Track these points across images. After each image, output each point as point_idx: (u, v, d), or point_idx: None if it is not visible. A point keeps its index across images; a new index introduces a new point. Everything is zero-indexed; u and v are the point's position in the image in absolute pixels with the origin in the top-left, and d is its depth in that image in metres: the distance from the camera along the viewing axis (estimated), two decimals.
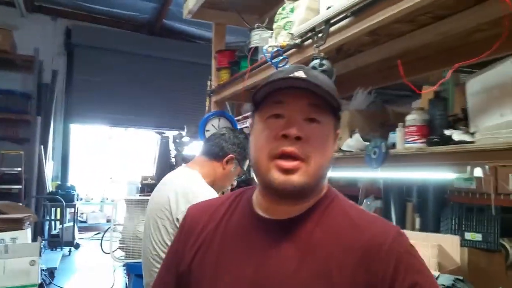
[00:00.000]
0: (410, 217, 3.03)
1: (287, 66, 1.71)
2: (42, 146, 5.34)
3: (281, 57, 1.68)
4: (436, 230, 2.52)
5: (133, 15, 5.90)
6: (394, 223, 2.76)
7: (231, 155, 1.75)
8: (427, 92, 1.48)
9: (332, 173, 2.14)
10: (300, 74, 0.80)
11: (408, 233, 2.01)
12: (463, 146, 1.27)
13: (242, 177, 2.04)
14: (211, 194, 1.60)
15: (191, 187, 1.61)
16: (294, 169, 0.76)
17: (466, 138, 1.28)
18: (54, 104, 5.73)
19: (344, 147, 1.76)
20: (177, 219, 1.53)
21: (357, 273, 0.75)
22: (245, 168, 1.85)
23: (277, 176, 0.77)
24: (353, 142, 1.72)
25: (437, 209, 2.69)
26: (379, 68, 1.98)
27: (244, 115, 3.98)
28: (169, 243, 1.53)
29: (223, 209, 0.90)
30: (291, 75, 0.80)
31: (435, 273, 1.69)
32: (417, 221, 2.91)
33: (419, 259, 0.79)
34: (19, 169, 5.01)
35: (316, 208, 0.83)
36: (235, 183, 1.88)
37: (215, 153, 1.75)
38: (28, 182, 5.14)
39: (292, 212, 0.82)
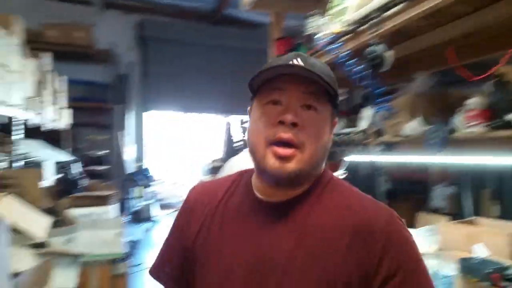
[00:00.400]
0: (485, 204, 2.90)
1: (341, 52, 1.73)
2: (121, 132, 5.78)
3: (337, 44, 1.70)
4: None
5: (196, 6, 6.07)
6: (469, 210, 2.67)
7: None
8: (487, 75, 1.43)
9: (395, 158, 2.12)
10: (298, 61, 0.80)
11: (485, 220, 1.97)
12: None
13: None
14: None
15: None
16: (289, 156, 0.78)
17: None
18: (130, 92, 6.15)
19: (404, 131, 1.75)
20: None
21: (350, 253, 0.76)
22: None
23: (272, 162, 0.78)
24: (413, 126, 1.71)
25: None
26: (440, 50, 1.91)
27: None
28: None
29: (223, 190, 0.92)
30: (290, 62, 0.81)
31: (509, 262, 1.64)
32: (494, 208, 2.78)
33: (411, 244, 0.80)
34: (103, 152, 5.51)
35: (312, 191, 0.84)
36: None
37: None
38: (111, 164, 5.64)
39: (289, 195, 0.83)
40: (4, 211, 1.74)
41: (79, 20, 5.73)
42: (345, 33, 1.70)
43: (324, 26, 1.96)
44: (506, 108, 1.35)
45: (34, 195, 2.51)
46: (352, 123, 2.37)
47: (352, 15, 1.64)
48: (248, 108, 0.90)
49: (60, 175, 4.15)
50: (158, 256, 0.98)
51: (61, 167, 4.30)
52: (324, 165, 0.87)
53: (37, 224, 2.08)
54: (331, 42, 1.77)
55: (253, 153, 0.83)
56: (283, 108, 0.80)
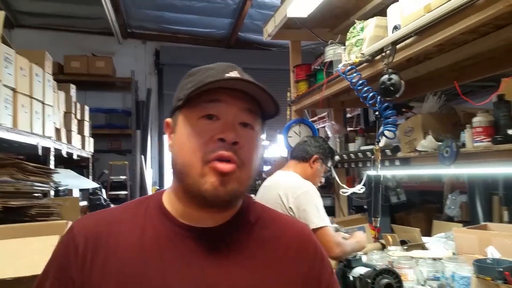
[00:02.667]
0: (497, 210, 3.06)
1: (358, 81, 1.95)
2: (142, 156, 6.01)
3: (354, 74, 1.92)
4: None
5: (211, 32, 6.37)
6: (480, 216, 2.83)
7: (315, 155, 2.14)
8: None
9: (412, 171, 2.30)
10: (236, 75, 0.75)
11: (495, 225, 2.14)
12: None
13: (328, 174, 2.38)
14: (309, 184, 2.05)
15: (293, 182, 2.05)
16: (231, 172, 0.72)
17: None
18: (150, 118, 6.40)
19: (418, 148, 1.94)
20: (290, 208, 1.97)
21: (292, 267, 0.79)
22: (328, 165, 2.21)
23: (212, 181, 0.71)
24: (426, 143, 1.90)
25: None
26: (447, 71, 2.12)
27: (319, 115, 4.23)
28: None
29: (126, 223, 0.77)
30: (227, 75, 0.75)
31: None
32: (505, 213, 2.93)
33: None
34: (125, 177, 5.71)
35: (244, 214, 0.82)
36: (323, 180, 2.23)
37: (302, 156, 2.16)
38: (132, 188, 5.85)
39: (219, 219, 0.78)
40: None
41: (100, 50, 6.07)
42: (362, 62, 1.91)
43: (342, 55, 2.18)
44: (507, 124, 1.55)
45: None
46: (369, 140, 2.58)
47: (368, 48, 1.85)
48: (167, 121, 0.81)
49: (88, 201, 4.37)
50: None
51: (90, 193, 4.52)
52: None
53: None
54: (349, 70, 1.99)
55: (185, 173, 0.73)
56: (221, 124, 0.73)
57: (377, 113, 1.85)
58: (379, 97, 1.80)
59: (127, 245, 0.74)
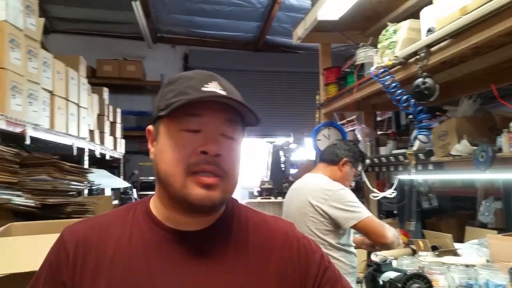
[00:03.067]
0: None
1: (391, 83, 1.93)
2: None
3: (388, 77, 1.91)
4: None
5: (239, 35, 6.43)
6: None
7: (345, 158, 2.13)
8: None
9: (445, 176, 2.26)
10: (216, 86, 0.77)
11: None
12: None
13: (358, 178, 2.37)
14: (338, 184, 2.06)
15: (322, 184, 2.06)
16: (214, 184, 0.74)
17: None
18: None
19: (453, 152, 1.91)
20: (321, 209, 2.00)
21: (275, 270, 0.80)
22: (359, 169, 2.20)
23: (197, 192, 0.73)
24: (461, 147, 1.86)
25: None
26: (483, 74, 2.07)
27: (348, 119, 4.21)
28: (315, 231, 1.98)
29: (115, 229, 0.80)
30: (208, 88, 0.76)
31: None
32: None
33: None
34: (153, 178, 5.78)
35: (228, 217, 0.84)
36: (353, 184, 2.23)
37: (331, 159, 2.15)
38: None
39: (203, 223, 0.80)
40: None
41: (131, 54, 6.23)
42: (395, 64, 1.90)
43: (374, 57, 2.17)
44: None
45: None
46: (400, 143, 2.54)
47: (402, 51, 1.83)
48: (149, 128, 0.84)
49: (119, 200, 4.48)
50: None
51: (121, 193, 4.64)
52: None
53: None
54: (382, 72, 1.97)
55: (167, 183, 0.75)
56: (202, 136, 0.75)
57: (411, 116, 1.83)
58: (412, 101, 1.77)
59: (116, 250, 0.76)
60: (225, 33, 6.31)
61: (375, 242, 2.00)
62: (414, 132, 2.18)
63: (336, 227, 1.99)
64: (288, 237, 0.86)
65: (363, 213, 1.96)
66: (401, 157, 2.23)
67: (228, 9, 5.41)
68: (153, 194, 0.86)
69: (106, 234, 0.79)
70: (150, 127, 0.83)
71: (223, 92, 0.76)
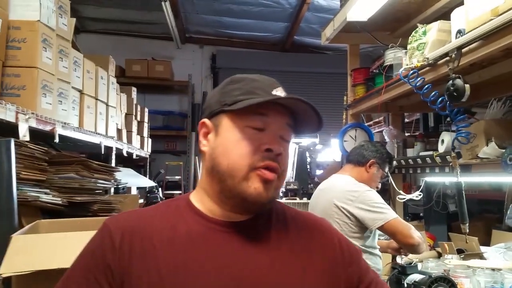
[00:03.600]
0: None
1: (423, 85, 1.92)
2: (196, 157, 6.19)
3: (418, 78, 1.90)
4: None
5: (266, 36, 6.46)
6: None
7: (372, 160, 2.12)
8: None
9: (473, 178, 2.23)
10: (282, 91, 0.84)
11: None
12: None
13: (385, 179, 2.36)
14: (364, 185, 2.06)
15: (348, 185, 2.07)
16: (272, 180, 0.79)
17: None
18: None
19: (480, 154, 1.88)
20: (347, 211, 2.01)
21: (323, 259, 0.84)
22: (385, 171, 2.19)
23: (257, 186, 0.78)
24: (489, 150, 1.84)
25: None
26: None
27: (375, 120, 4.18)
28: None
29: (159, 220, 0.82)
30: (277, 92, 0.83)
31: None
32: None
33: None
34: (179, 177, 5.92)
35: (268, 209, 0.87)
36: (379, 185, 2.22)
37: (358, 160, 2.15)
38: (186, 188, 6.04)
39: (246, 216, 0.84)
40: None
41: (160, 54, 6.34)
42: (425, 66, 1.89)
43: (403, 59, 2.16)
44: None
45: None
46: (428, 145, 2.52)
47: (433, 52, 1.82)
48: (204, 121, 0.86)
49: (145, 199, 4.56)
50: None
51: (147, 192, 4.73)
52: None
53: None
54: (412, 73, 1.96)
55: (227, 175, 0.79)
56: (267, 135, 0.80)
57: (448, 118, 1.80)
58: (448, 102, 1.75)
59: (161, 238, 0.78)
60: (253, 33, 6.35)
61: (402, 243, 1.99)
62: (443, 134, 2.16)
63: (362, 228, 1.99)
64: (324, 227, 0.91)
65: (390, 214, 1.95)
66: (428, 159, 2.21)
67: (256, 10, 5.45)
68: (190, 192, 0.89)
69: (150, 224, 0.81)
70: (206, 120, 0.85)
71: (296, 96, 0.81)
